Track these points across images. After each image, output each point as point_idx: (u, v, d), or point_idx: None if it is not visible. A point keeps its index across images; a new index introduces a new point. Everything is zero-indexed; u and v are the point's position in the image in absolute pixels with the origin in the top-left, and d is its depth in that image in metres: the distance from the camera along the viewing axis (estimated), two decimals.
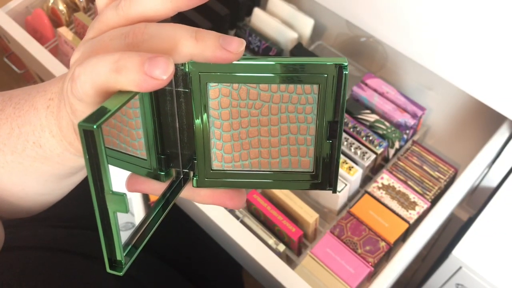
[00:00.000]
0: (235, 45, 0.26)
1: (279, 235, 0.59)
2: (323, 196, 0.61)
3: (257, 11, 0.76)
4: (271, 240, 0.57)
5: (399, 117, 0.63)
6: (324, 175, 0.30)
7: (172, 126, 0.29)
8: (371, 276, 0.57)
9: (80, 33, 0.82)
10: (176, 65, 0.27)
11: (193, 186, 0.30)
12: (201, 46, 0.26)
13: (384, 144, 0.61)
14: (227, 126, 0.29)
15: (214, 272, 0.78)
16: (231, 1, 0.77)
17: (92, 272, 0.54)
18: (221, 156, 0.30)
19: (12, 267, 0.48)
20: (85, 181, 0.41)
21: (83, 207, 0.65)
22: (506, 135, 0.61)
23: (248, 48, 0.75)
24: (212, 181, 0.30)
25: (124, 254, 0.26)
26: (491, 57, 0.53)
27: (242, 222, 0.59)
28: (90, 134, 0.22)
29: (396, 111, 0.63)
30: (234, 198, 0.32)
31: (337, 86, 0.27)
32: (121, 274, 0.26)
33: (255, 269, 0.59)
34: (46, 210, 0.44)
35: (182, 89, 0.28)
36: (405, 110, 0.64)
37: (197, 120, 0.28)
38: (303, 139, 0.29)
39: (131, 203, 0.33)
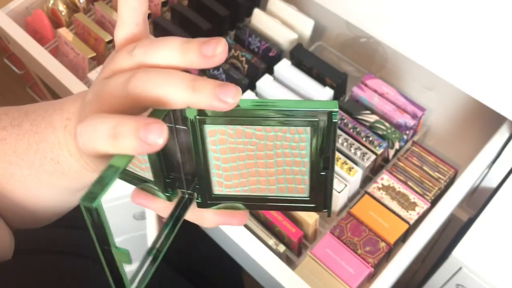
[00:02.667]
0: (232, 95, 0.27)
1: (279, 236, 0.59)
2: None
3: (257, 11, 0.76)
4: (271, 241, 0.57)
5: (399, 118, 0.63)
6: (319, 200, 0.32)
7: (175, 156, 0.31)
8: (371, 277, 0.57)
9: (80, 34, 0.82)
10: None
11: (197, 206, 0.32)
12: (198, 96, 0.27)
13: (384, 144, 0.61)
14: (226, 160, 0.31)
15: (214, 272, 0.78)
16: (231, 1, 0.77)
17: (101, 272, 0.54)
18: (221, 183, 0.32)
19: (27, 271, 0.48)
20: None
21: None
22: (506, 135, 0.61)
23: (248, 48, 0.75)
24: (214, 203, 0.32)
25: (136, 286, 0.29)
26: (491, 57, 0.53)
27: None
28: (91, 211, 0.25)
29: (396, 112, 0.63)
30: (237, 216, 0.33)
31: (327, 128, 0.29)
32: None
33: (255, 270, 0.59)
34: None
35: (181, 127, 0.30)
36: (405, 110, 0.64)
37: (197, 154, 0.30)
38: (298, 171, 0.31)
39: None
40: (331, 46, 0.78)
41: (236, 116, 0.29)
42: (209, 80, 0.27)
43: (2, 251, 0.40)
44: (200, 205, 0.32)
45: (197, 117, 0.29)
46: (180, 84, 0.27)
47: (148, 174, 0.31)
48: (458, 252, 0.56)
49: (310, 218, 0.57)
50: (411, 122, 0.63)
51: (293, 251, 0.60)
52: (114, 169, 0.26)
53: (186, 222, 0.63)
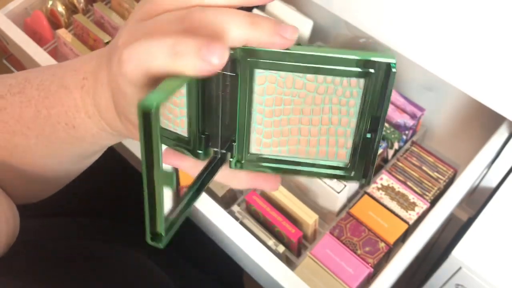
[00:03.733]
0: (290, 32, 0.26)
1: (279, 236, 0.59)
2: (323, 197, 0.61)
3: (255, 12, 0.76)
4: (271, 241, 0.57)
5: (398, 118, 0.63)
6: (359, 168, 0.30)
7: (216, 108, 0.29)
8: (371, 277, 0.57)
9: (79, 35, 0.82)
10: None
11: (230, 167, 0.30)
12: (258, 31, 0.26)
13: (383, 144, 0.61)
14: (269, 112, 0.29)
15: (214, 273, 0.78)
16: None
17: (113, 254, 0.53)
18: (260, 141, 0.30)
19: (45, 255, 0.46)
20: (100, 174, 0.39)
21: (95, 199, 0.64)
22: (505, 135, 0.61)
23: None
24: (249, 163, 0.31)
25: (165, 228, 0.27)
26: (490, 58, 0.53)
27: (242, 223, 0.59)
28: (147, 115, 0.23)
29: (395, 112, 0.63)
30: (269, 180, 0.31)
31: (382, 83, 0.27)
32: (161, 246, 0.27)
33: (254, 271, 0.59)
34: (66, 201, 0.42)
35: (229, 73, 0.27)
36: (404, 110, 0.64)
37: (241, 104, 0.29)
38: (343, 131, 0.29)
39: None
40: (330, 46, 0.78)
41: (289, 62, 0.27)
42: (268, 18, 0.26)
43: (7, 226, 0.36)
44: (235, 165, 0.31)
45: (250, 59, 0.27)
46: (241, 19, 0.26)
47: (182, 130, 0.29)
48: (458, 252, 0.56)
49: (309, 218, 0.57)
50: (410, 122, 0.63)
51: (293, 251, 0.60)
52: (172, 82, 0.24)
53: (186, 224, 0.63)
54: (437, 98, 0.71)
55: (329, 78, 0.27)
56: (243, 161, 0.31)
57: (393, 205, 0.59)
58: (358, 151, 0.29)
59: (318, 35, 0.78)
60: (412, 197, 0.59)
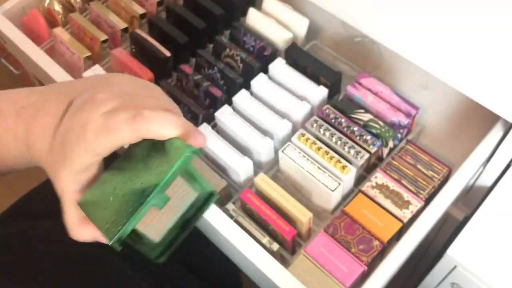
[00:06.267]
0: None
1: (273, 234, 0.59)
2: (317, 195, 0.61)
3: (252, 11, 0.76)
4: (265, 239, 0.57)
5: (393, 116, 0.63)
6: (158, 251, 0.43)
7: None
8: (365, 275, 0.57)
9: (75, 34, 0.82)
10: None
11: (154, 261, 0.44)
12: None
13: (378, 143, 0.61)
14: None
15: (211, 272, 0.78)
16: (226, 1, 0.77)
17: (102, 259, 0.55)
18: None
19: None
20: None
21: None
22: (500, 134, 0.61)
23: (243, 48, 0.75)
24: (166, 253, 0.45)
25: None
26: (485, 57, 0.53)
27: (236, 221, 0.59)
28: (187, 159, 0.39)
29: (390, 110, 0.63)
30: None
31: (204, 201, 0.45)
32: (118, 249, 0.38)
33: (249, 269, 0.59)
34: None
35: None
36: (398, 109, 0.64)
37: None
38: (167, 220, 0.43)
39: None
40: (326, 45, 0.78)
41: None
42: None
43: None
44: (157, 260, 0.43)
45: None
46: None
47: (154, 234, 0.43)
48: (453, 251, 0.56)
49: (303, 216, 0.57)
50: (405, 120, 0.63)
51: (287, 249, 0.60)
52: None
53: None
54: (432, 96, 0.71)
55: (185, 183, 0.43)
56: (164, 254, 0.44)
57: (388, 204, 0.59)
58: (166, 239, 0.43)
59: (314, 34, 0.78)
60: (406, 195, 0.59)
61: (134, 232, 0.41)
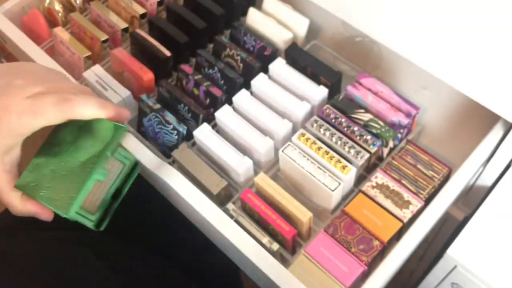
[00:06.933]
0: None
1: (273, 234, 0.59)
2: (317, 195, 0.61)
3: (252, 10, 0.76)
4: (265, 239, 0.57)
5: (393, 116, 0.63)
6: (96, 219, 0.49)
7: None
8: (365, 275, 0.57)
9: (76, 33, 0.82)
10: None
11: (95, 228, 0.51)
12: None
13: (378, 143, 0.61)
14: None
15: (212, 272, 0.78)
16: (226, 0, 0.77)
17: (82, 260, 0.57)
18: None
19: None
20: None
21: None
22: (500, 133, 0.61)
23: (243, 47, 0.75)
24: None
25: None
26: (485, 56, 0.53)
27: (236, 221, 0.59)
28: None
29: (390, 110, 0.63)
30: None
31: (130, 171, 0.53)
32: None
33: (249, 268, 0.59)
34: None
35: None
36: (399, 109, 0.64)
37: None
38: (99, 191, 0.50)
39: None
40: (326, 45, 0.78)
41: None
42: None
43: None
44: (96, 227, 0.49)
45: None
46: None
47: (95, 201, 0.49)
48: (453, 251, 0.56)
49: (303, 216, 0.57)
50: (405, 120, 0.63)
51: (287, 249, 0.60)
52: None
53: (186, 223, 0.65)
54: (432, 96, 0.71)
55: (113, 159, 0.50)
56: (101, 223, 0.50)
57: (388, 204, 0.59)
58: (101, 208, 0.50)
59: (314, 34, 0.78)
60: (406, 195, 0.59)
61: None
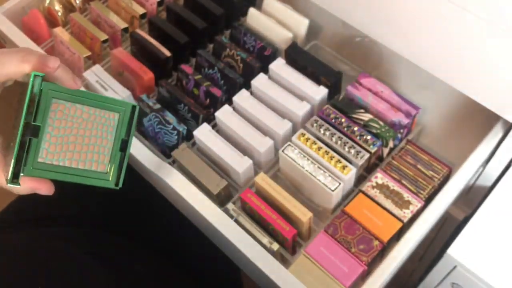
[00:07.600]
0: (53, 62, 0.43)
1: (273, 234, 0.59)
2: (317, 195, 0.61)
3: (252, 11, 0.76)
4: (265, 239, 0.57)
5: (393, 116, 0.63)
6: (114, 176, 0.48)
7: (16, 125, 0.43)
8: (366, 275, 0.57)
9: (76, 33, 0.82)
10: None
11: (22, 174, 0.42)
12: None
13: (378, 143, 0.61)
14: (56, 131, 0.44)
15: (211, 271, 0.78)
16: (226, 1, 0.77)
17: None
18: (46, 152, 0.44)
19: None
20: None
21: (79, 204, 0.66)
22: (500, 134, 0.61)
23: (243, 48, 0.75)
24: (35, 171, 0.43)
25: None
26: (485, 57, 0.53)
27: (236, 221, 0.59)
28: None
29: (390, 110, 0.63)
30: (45, 184, 0.45)
31: (129, 118, 0.48)
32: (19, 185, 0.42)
33: (249, 268, 0.59)
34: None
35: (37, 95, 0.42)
36: (399, 109, 0.64)
37: (38, 121, 0.42)
38: (103, 149, 0.47)
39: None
40: (326, 45, 0.78)
41: (77, 96, 0.44)
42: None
43: None
44: (25, 173, 0.43)
45: (50, 90, 0.42)
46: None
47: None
48: (453, 251, 0.56)
49: (303, 216, 0.57)
50: (405, 120, 0.63)
51: (287, 249, 0.60)
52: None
53: (185, 223, 0.65)
54: (432, 96, 0.71)
55: (98, 110, 0.46)
56: (32, 169, 0.43)
57: (388, 203, 0.59)
58: (114, 164, 0.48)
59: (314, 34, 0.78)
60: (406, 195, 0.59)
61: (81, 171, 0.46)
